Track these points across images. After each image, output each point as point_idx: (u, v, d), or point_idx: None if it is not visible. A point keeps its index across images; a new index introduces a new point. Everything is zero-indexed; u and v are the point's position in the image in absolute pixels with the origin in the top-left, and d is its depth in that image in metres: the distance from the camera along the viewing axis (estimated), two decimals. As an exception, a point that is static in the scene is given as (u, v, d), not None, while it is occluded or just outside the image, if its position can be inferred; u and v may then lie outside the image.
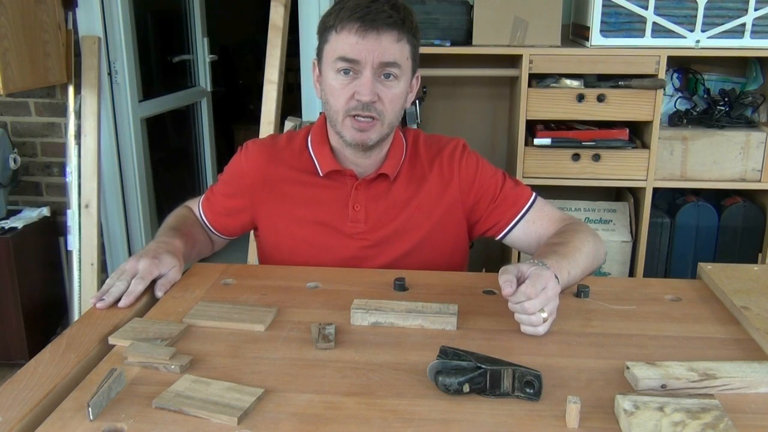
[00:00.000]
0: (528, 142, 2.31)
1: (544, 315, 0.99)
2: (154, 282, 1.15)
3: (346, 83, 1.18)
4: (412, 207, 1.31)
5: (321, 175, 1.30)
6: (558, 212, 1.34)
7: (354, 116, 1.20)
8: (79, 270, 2.68)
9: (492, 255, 2.62)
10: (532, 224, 1.31)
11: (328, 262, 1.30)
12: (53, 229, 2.80)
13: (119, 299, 1.10)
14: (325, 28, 1.21)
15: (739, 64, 2.45)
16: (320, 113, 1.33)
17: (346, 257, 1.30)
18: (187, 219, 1.38)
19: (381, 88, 1.19)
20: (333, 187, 1.30)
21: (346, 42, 1.16)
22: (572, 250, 1.15)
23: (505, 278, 1.00)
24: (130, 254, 2.87)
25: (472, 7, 2.26)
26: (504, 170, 1.37)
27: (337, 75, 1.19)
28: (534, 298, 0.97)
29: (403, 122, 2.31)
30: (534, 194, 1.34)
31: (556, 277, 1.03)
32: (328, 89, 1.21)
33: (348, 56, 1.17)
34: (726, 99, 2.33)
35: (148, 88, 3.04)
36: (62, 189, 2.80)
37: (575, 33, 2.46)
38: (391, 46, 1.17)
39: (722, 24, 2.18)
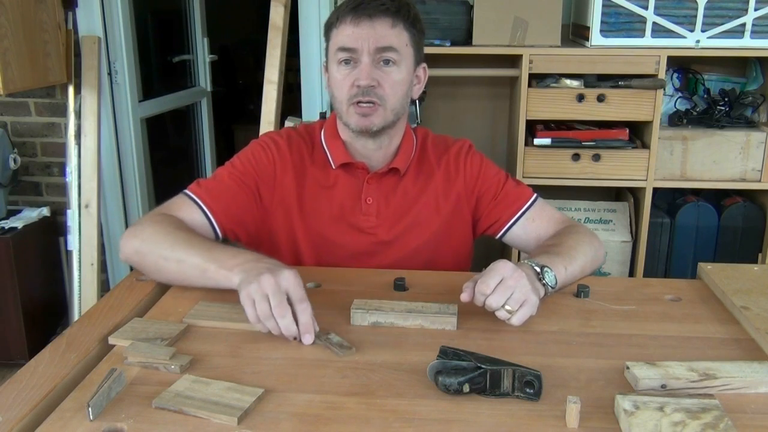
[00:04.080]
0: (528, 142, 2.31)
1: (508, 308, 0.98)
2: None
3: (347, 73, 1.22)
4: (420, 203, 1.33)
5: (334, 167, 1.32)
6: (558, 214, 1.35)
7: (357, 103, 1.22)
8: (79, 270, 2.68)
9: (492, 255, 2.61)
10: (531, 222, 1.32)
11: (341, 256, 1.31)
12: (53, 229, 2.80)
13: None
14: (327, 28, 1.26)
15: (739, 64, 2.45)
16: (327, 110, 1.35)
17: (358, 252, 1.32)
18: (192, 231, 1.18)
19: (380, 74, 1.22)
20: (346, 179, 1.32)
21: (343, 33, 1.21)
22: (567, 249, 1.17)
23: (465, 285, 1.02)
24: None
25: (472, 7, 2.26)
26: (506, 171, 1.39)
27: (339, 66, 1.23)
28: (491, 294, 0.98)
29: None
30: (535, 195, 1.35)
31: (536, 268, 1.06)
32: (333, 82, 1.26)
33: (345, 45, 1.21)
34: (726, 99, 2.33)
35: (148, 88, 3.03)
36: (62, 189, 2.80)
37: (575, 33, 2.46)
38: (386, 32, 1.20)
39: (722, 24, 2.18)
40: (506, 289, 0.98)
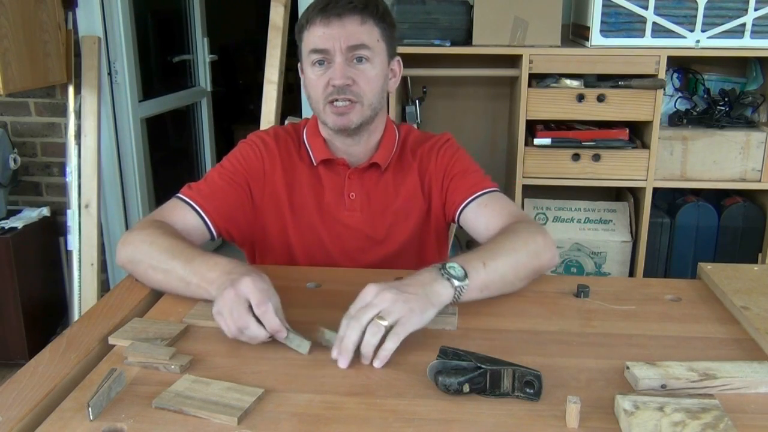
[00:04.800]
0: (528, 142, 2.31)
1: (383, 323, 0.90)
2: None
3: (321, 73, 1.23)
4: (401, 198, 1.34)
5: (315, 164, 1.33)
6: (515, 210, 1.28)
7: (332, 102, 1.23)
8: (79, 270, 2.68)
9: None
10: (484, 207, 1.27)
11: (331, 252, 1.32)
12: (53, 229, 2.80)
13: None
14: (299, 30, 1.27)
15: (739, 64, 2.45)
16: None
17: (348, 248, 1.33)
18: (181, 239, 1.17)
19: (355, 72, 1.22)
20: (328, 176, 1.33)
21: (314, 35, 1.22)
22: (494, 245, 1.12)
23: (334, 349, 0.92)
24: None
25: (472, 7, 2.26)
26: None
27: (313, 68, 1.24)
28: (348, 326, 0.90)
29: (403, 121, 2.31)
30: (497, 189, 1.31)
31: (436, 268, 1.00)
32: (308, 83, 1.26)
33: (317, 47, 1.21)
34: (726, 99, 2.33)
35: (148, 88, 3.04)
36: (62, 189, 2.80)
37: (575, 33, 2.46)
38: (356, 30, 1.21)
39: (722, 24, 2.18)
40: (370, 309, 0.91)
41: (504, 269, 1.09)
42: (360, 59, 1.22)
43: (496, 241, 1.14)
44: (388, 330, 0.90)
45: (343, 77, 1.20)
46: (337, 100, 1.22)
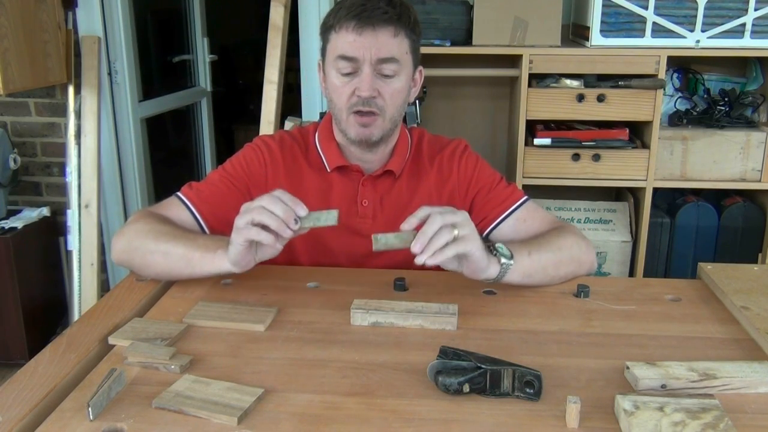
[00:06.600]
0: (528, 142, 2.31)
1: (456, 232, 0.99)
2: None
3: (347, 81, 1.21)
4: (414, 204, 1.32)
5: (329, 170, 1.32)
6: (551, 216, 1.34)
7: (356, 112, 1.22)
8: (79, 270, 2.68)
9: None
10: (523, 222, 1.30)
11: (339, 259, 1.31)
12: (53, 229, 2.80)
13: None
14: (325, 29, 1.24)
15: (739, 64, 2.46)
16: (326, 111, 1.34)
17: (356, 255, 1.31)
18: (176, 225, 1.22)
19: (381, 84, 1.21)
20: (341, 182, 1.32)
21: (344, 40, 1.19)
22: (539, 240, 1.19)
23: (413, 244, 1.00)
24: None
25: (472, 7, 2.26)
26: (504, 172, 1.39)
27: (339, 73, 1.22)
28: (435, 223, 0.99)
29: (403, 122, 2.31)
30: (527, 197, 1.34)
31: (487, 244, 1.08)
32: (331, 87, 1.24)
33: (347, 54, 1.19)
34: (726, 99, 2.34)
35: (148, 88, 3.04)
36: (62, 189, 2.81)
37: (575, 33, 2.46)
38: (388, 42, 1.19)
39: (722, 24, 2.18)
40: (447, 215, 1.01)
41: (546, 262, 1.15)
42: (387, 71, 1.21)
43: (541, 238, 1.21)
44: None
45: (370, 89, 1.19)
46: (361, 111, 1.21)
